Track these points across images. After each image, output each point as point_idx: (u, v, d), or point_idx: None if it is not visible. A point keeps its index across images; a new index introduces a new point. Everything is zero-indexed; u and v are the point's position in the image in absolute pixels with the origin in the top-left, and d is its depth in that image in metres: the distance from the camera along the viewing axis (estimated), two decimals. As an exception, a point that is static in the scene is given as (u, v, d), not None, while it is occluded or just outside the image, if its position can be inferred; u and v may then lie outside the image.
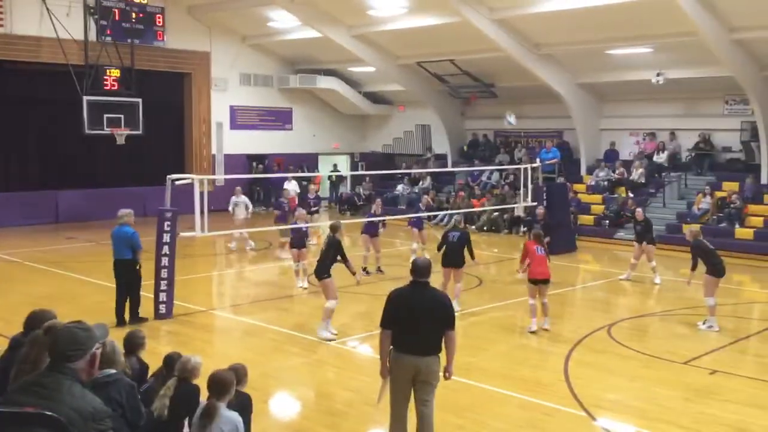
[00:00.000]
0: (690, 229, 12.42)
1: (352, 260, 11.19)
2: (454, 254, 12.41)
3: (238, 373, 5.98)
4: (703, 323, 11.74)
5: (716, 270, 11.61)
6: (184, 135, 27.01)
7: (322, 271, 10.83)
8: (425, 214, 18.27)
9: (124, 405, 5.13)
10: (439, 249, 12.72)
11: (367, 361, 9.94)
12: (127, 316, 11.71)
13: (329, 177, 29.91)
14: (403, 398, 6.66)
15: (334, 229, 11.03)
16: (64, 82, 21.22)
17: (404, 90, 27.32)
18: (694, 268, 11.86)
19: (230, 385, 5.49)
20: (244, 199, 19.96)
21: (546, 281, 11.65)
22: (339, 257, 10.96)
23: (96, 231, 21.98)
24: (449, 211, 23.41)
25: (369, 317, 11.90)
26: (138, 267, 11.72)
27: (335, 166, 29.78)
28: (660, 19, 18.51)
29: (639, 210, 16.46)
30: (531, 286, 11.63)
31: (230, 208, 19.63)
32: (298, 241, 14.42)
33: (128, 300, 11.77)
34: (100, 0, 22.01)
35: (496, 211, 23.01)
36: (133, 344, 6.61)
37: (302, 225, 14.53)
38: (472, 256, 12.76)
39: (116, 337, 6.03)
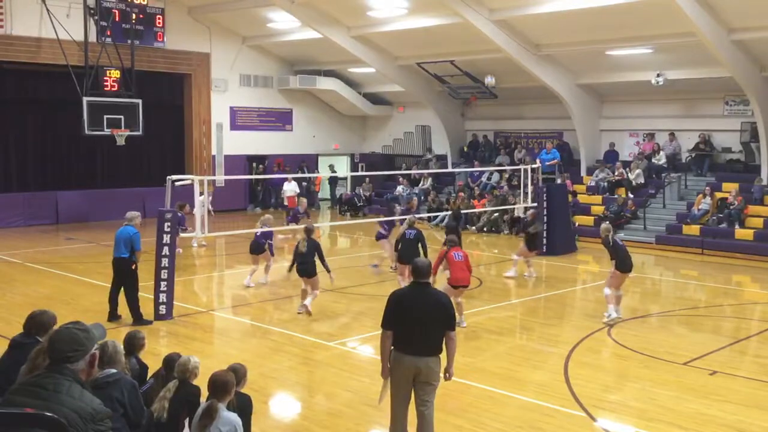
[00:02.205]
0: (601, 227, 12.93)
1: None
2: (409, 250, 13.18)
3: (238, 373, 5.99)
4: (607, 316, 12.10)
5: (622, 266, 12.05)
6: (184, 136, 27.01)
7: (312, 271, 12.12)
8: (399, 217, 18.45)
9: (126, 404, 5.15)
10: (396, 247, 13.79)
11: (367, 362, 9.94)
12: (124, 314, 11.74)
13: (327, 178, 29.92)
14: (404, 399, 6.67)
15: (309, 231, 12.27)
16: (64, 83, 21.22)
17: (404, 91, 27.31)
18: (612, 258, 12.29)
19: (231, 386, 5.50)
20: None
21: (466, 286, 11.79)
22: (318, 257, 12.14)
23: (96, 232, 22.01)
24: (447, 212, 23.47)
25: (369, 318, 11.92)
26: (134, 267, 11.74)
27: (331, 166, 29.78)
28: (660, 20, 18.52)
29: (531, 211, 17.53)
30: (450, 289, 11.51)
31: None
32: (256, 246, 14.85)
33: (126, 300, 11.79)
34: (100, 1, 22.02)
35: (496, 211, 23.02)
36: (132, 345, 6.63)
37: (265, 230, 14.79)
38: (425, 254, 13.13)
39: (113, 334, 6.05)
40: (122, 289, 11.86)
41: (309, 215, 20.04)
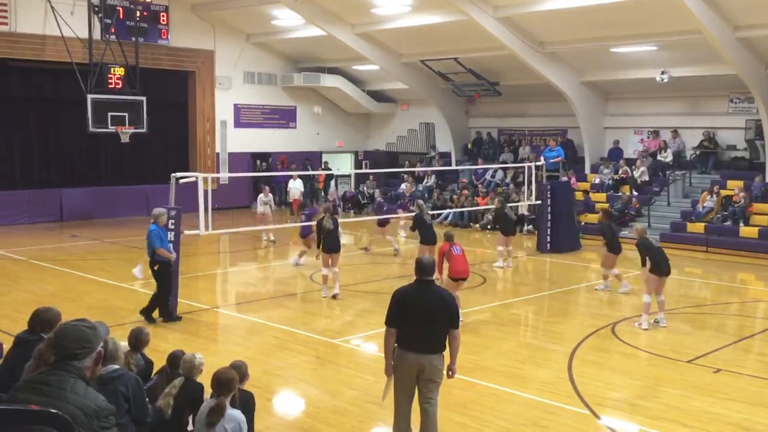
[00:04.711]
0: (635, 228, 12.68)
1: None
2: (432, 233, 14.62)
3: (240, 370, 6.01)
4: (637, 325, 11.75)
5: (657, 269, 11.63)
6: (188, 133, 27.02)
7: (338, 246, 13.50)
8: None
9: (130, 399, 5.17)
10: (413, 229, 14.88)
11: (371, 359, 9.95)
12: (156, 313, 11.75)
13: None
14: (407, 396, 6.67)
15: (328, 210, 13.76)
16: (69, 81, 21.23)
17: (408, 88, 27.31)
18: (644, 263, 11.89)
19: (234, 383, 5.51)
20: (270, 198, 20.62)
21: (465, 279, 11.83)
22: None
23: (100, 229, 22.06)
24: (453, 209, 23.52)
25: (373, 315, 11.92)
26: (156, 268, 11.56)
27: (326, 164, 29.77)
28: (664, 17, 18.48)
29: (497, 201, 17.95)
30: (451, 282, 11.59)
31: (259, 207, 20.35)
32: None
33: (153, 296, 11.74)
34: (105, -2, 22.03)
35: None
36: (138, 341, 6.70)
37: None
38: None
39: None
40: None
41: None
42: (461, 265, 11.64)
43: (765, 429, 7.81)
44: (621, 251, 14.43)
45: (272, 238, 19.93)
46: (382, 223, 18.70)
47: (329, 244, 13.29)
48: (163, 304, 11.72)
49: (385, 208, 19.58)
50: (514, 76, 24.48)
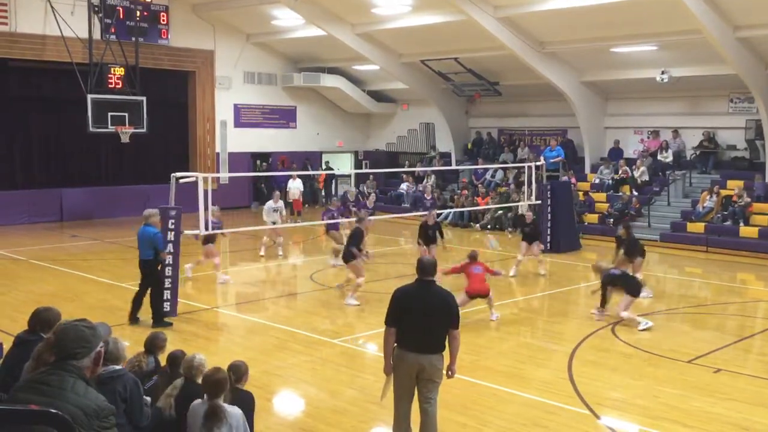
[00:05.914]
0: (596, 265, 12.63)
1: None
2: (432, 234, 15.19)
3: (240, 370, 6.00)
4: (644, 324, 11.68)
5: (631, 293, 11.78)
6: (189, 133, 27.01)
7: (349, 256, 12.87)
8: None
9: (127, 399, 5.17)
10: (420, 234, 15.30)
11: (371, 359, 9.95)
12: (144, 316, 11.65)
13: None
14: (407, 396, 6.67)
15: (360, 220, 13.70)
16: (69, 81, 21.24)
17: (408, 88, 27.32)
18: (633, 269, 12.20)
19: (225, 384, 5.48)
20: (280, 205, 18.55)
21: (485, 296, 11.83)
22: (358, 245, 12.95)
23: (100, 229, 22.07)
24: (453, 209, 23.54)
25: (373, 315, 11.92)
26: (159, 267, 11.61)
27: (326, 163, 29.76)
28: (665, 17, 18.48)
29: (529, 213, 17.49)
30: (466, 298, 11.57)
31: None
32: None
33: (150, 301, 11.65)
34: (105, -2, 22.04)
35: (500, 209, 22.99)
36: (153, 345, 6.78)
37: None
38: (442, 236, 15.54)
39: (137, 337, 6.06)
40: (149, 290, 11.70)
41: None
42: (480, 284, 11.67)
43: (765, 429, 7.81)
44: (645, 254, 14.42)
45: (280, 252, 18.10)
46: (334, 227, 17.20)
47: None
48: (160, 304, 11.72)
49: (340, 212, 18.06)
50: (514, 76, 24.48)
